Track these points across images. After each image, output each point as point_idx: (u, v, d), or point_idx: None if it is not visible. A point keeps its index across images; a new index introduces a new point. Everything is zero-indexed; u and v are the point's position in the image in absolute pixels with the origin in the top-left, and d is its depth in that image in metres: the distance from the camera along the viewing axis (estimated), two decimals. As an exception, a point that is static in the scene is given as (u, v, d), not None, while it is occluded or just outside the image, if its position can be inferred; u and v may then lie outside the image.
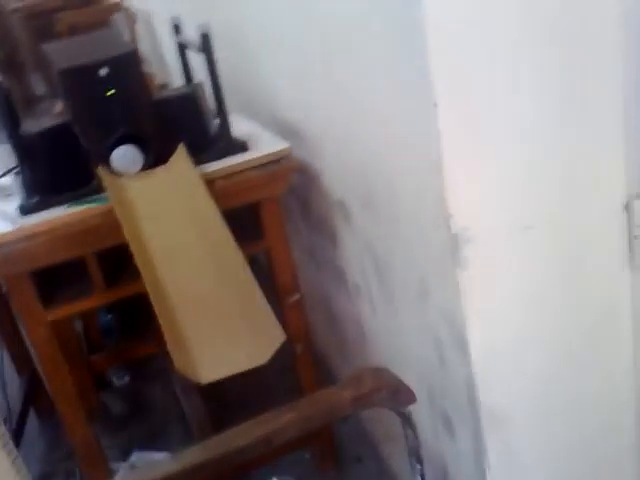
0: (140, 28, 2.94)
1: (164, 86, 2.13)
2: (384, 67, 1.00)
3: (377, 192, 1.21)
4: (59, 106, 2.53)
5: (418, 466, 1.05)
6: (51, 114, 2.03)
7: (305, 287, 1.58)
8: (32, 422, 2.12)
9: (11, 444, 0.92)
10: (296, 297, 1.56)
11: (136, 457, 1.90)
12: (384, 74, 1.01)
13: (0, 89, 1.19)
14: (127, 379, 2.32)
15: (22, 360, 2.14)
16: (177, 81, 2.29)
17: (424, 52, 0.82)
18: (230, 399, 1.98)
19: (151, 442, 1.98)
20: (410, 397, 0.99)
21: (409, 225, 1.12)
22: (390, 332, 1.39)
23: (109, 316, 2.33)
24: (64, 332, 1.96)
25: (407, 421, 1.01)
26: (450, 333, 1.07)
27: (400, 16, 0.88)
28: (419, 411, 1.08)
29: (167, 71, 2.48)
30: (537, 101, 0.90)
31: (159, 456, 1.89)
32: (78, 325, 2.27)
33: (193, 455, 0.93)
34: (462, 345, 1.04)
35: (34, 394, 2.13)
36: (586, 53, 0.89)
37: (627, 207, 0.98)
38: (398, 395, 0.98)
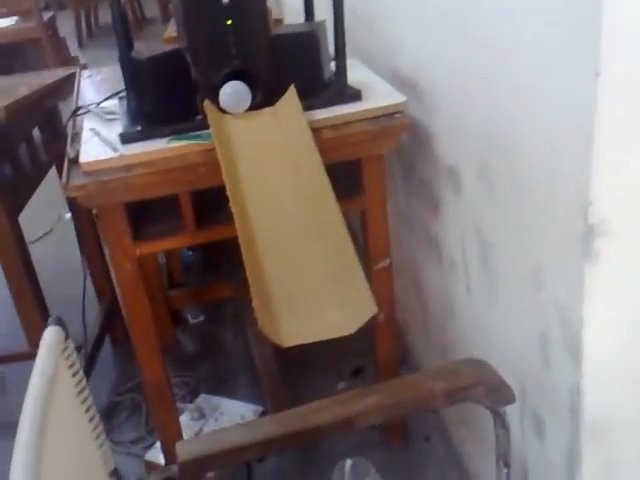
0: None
1: (279, 21, 2.03)
2: (536, 22, 0.88)
3: (497, 164, 1.10)
4: (169, 32, 2.49)
5: (505, 470, 0.97)
6: (160, 39, 1.99)
7: (392, 252, 1.50)
8: (106, 350, 2.15)
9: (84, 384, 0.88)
10: (385, 263, 1.48)
11: (202, 400, 1.89)
12: (534, 31, 0.89)
13: (118, 9, 1.14)
14: (202, 319, 2.32)
15: (103, 287, 2.16)
16: (291, 17, 2.21)
17: (598, 10, 0.70)
18: (301, 353, 1.93)
19: (218, 386, 1.97)
20: (509, 397, 0.91)
21: (531, 207, 1.00)
22: (486, 318, 1.29)
23: (191, 253, 2.32)
24: (147, 265, 1.95)
25: (501, 422, 0.93)
26: (562, 332, 0.97)
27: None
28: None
29: (280, 5, 2.38)
30: None
31: (225, 402, 1.88)
32: (160, 259, 2.27)
33: (269, 426, 0.88)
34: (575, 347, 0.94)
35: (111, 322, 2.15)
36: None
37: None
38: (497, 393, 0.90)
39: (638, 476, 1.01)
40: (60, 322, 0.81)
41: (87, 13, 6.57)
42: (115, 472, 0.93)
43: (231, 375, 2.03)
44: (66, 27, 5.79)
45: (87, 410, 0.88)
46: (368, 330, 1.49)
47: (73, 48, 5.55)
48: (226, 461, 0.90)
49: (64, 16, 6.34)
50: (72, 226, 2.11)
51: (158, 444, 1.71)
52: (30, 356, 1.73)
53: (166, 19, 5.68)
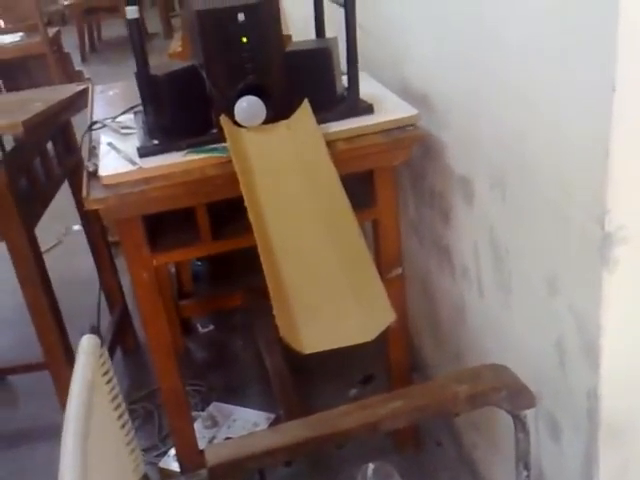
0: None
1: (287, 37, 2.06)
2: (552, 34, 0.91)
3: (512, 174, 1.12)
4: (173, 47, 2.52)
5: (525, 472, 0.99)
6: (165, 53, 2.02)
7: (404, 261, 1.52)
8: (117, 359, 2.16)
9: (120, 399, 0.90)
10: (398, 271, 1.50)
11: (214, 408, 1.91)
12: (551, 44, 0.92)
13: (136, 28, 1.16)
14: (211, 328, 2.34)
15: (114, 297, 2.18)
16: (296, 32, 2.23)
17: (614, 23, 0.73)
18: (310, 361, 1.95)
19: (229, 394, 1.98)
20: (530, 401, 0.93)
21: (547, 215, 1.02)
22: (499, 323, 1.31)
23: (200, 264, 2.34)
24: (159, 275, 1.96)
25: (522, 426, 0.95)
26: (579, 337, 0.99)
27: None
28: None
29: (287, 20, 2.41)
30: None
31: (237, 409, 1.89)
32: (170, 269, 2.29)
33: (296, 430, 0.90)
34: (592, 351, 0.96)
35: (122, 332, 2.17)
36: None
37: None
38: (518, 398, 0.92)
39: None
40: (95, 330, 0.83)
41: (90, 28, 6.63)
42: (145, 477, 0.95)
43: (242, 383, 2.05)
44: (69, 42, 5.83)
45: (120, 416, 0.89)
46: (377, 337, 1.52)
47: (76, 62, 5.60)
48: (255, 465, 0.91)
49: (67, 31, 6.39)
50: (79, 238, 2.13)
51: (171, 452, 1.73)
52: (43, 366, 1.75)
53: (168, 34, 5.72)
